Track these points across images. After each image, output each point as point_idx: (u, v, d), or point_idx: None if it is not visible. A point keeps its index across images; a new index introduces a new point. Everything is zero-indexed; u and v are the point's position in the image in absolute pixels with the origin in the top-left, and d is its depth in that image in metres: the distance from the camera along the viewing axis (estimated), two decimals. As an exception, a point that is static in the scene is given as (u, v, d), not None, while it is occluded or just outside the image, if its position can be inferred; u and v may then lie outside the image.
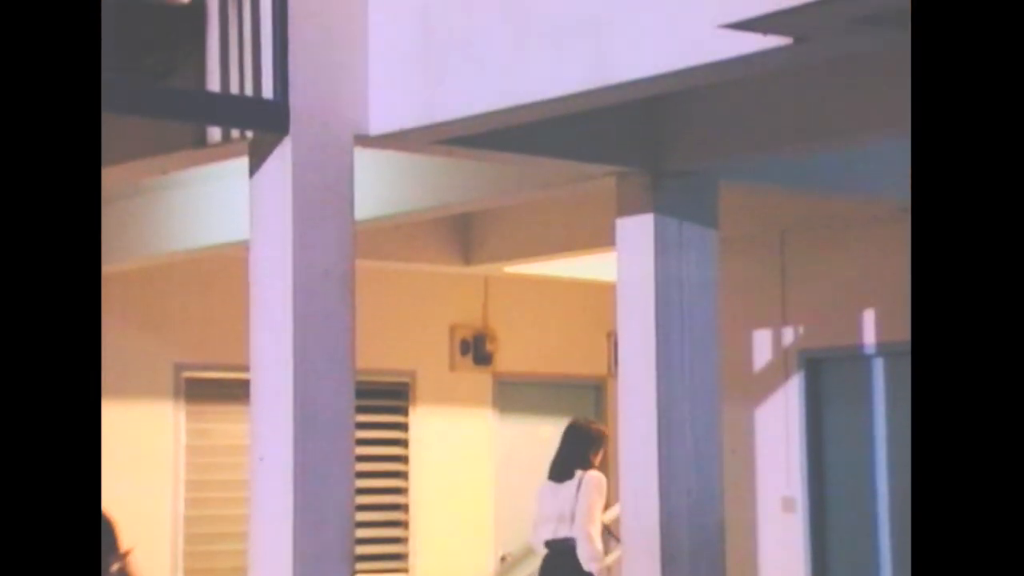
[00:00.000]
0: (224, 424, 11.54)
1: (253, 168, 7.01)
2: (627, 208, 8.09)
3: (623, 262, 8.11)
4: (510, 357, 12.91)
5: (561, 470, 9.35)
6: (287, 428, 6.82)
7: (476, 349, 12.82)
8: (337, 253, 6.97)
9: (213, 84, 7.13)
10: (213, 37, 7.17)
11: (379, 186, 8.95)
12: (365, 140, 7.13)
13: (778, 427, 10.14)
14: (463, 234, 11.01)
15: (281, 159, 6.90)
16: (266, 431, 6.93)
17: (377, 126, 7.07)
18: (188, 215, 9.98)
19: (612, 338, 10.58)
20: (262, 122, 6.88)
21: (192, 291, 11.46)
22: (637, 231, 8.03)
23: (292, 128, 6.87)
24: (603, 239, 8.79)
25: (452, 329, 12.75)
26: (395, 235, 10.54)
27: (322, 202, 6.93)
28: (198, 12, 7.29)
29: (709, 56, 5.83)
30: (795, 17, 5.25)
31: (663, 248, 7.98)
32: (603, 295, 10.33)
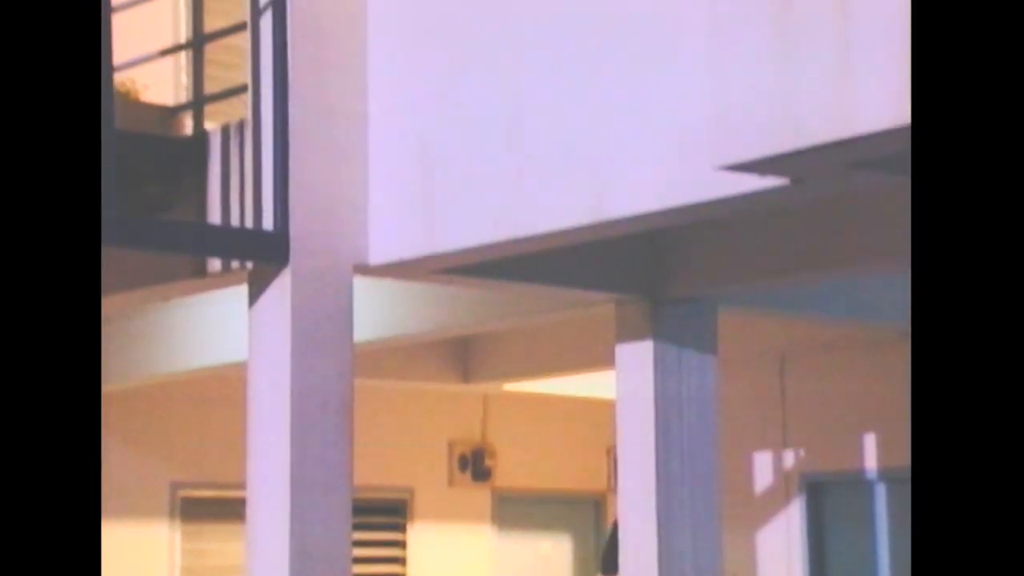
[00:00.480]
0: (220, 543, 11.48)
1: (252, 298, 7.01)
2: (627, 334, 8.09)
3: (622, 385, 8.11)
4: (509, 473, 12.87)
5: (610, 563, 9.36)
6: (283, 560, 6.77)
7: (475, 465, 12.79)
8: (336, 384, 6.95)
9: (214, 215, 7.16)
10: (215, 168, 7.20)
11: (378, 309, 8.95)
12: (365, 269, 7.14)
13: (779, 551, 10.08)
14: (462, 353, 11.00)
15: (280, 289, 6.90)
16: (261, 562, 6.88)
17: (377, 256, 7.08)
18: (187, 335, 9.97)
19: (611, 453, 10.55)
20: (262, 254, 6.88)
21: (190, 410, 11.43)
22: (637, 356, 8.03)
23: (292, 259, 6.88)
24: (602, 360, 8.78)
25: (451, 445, 12.71)
26: (393, 354, 10.53)
27: (321, 333, 6.92)
28: (200, 144, 7.33)
29: (707, 194, 5.85)
30: (793, 160, 5.26)
31: (663, 373, 7.98)
32: (602, 411, 10.32)
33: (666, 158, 5.98)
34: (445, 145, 6.86)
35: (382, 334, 9.21)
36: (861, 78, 4.98)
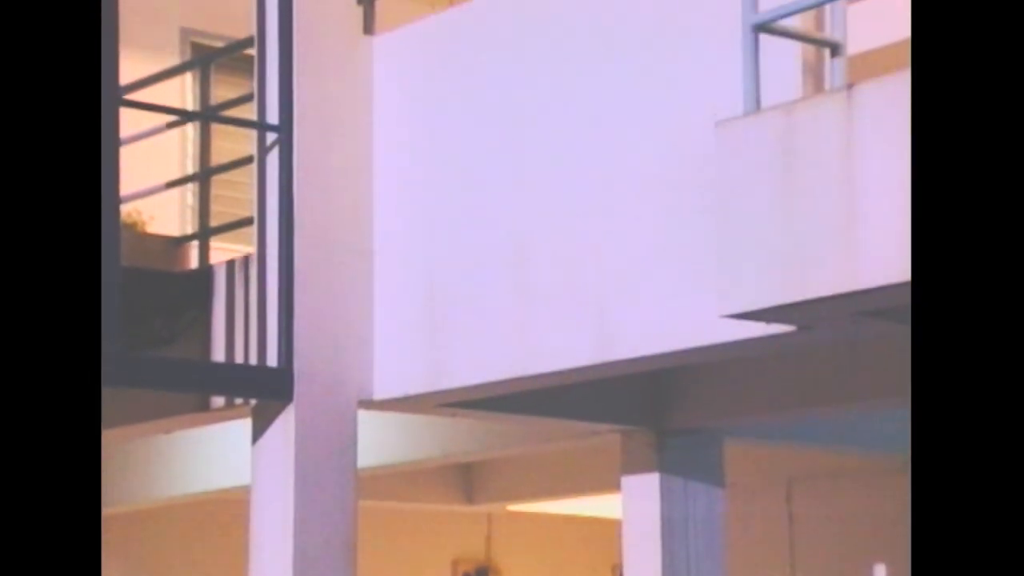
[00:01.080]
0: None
1: (256, 434, 6.98)
2: (632, 466, 8.06)
3: (628, 515, 8.07)
4: (514, 591, 12.79)
5: None
6: None
7: (479, 583, 12.71)
8: (339, 520, 6.91)
9: (218, 349, 7.14)
10: (219, 302, 7.20)
11: (382, 435, 8.91)
12: (369, 404, 7.11)
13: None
14: (465, 475, 10.95)
15: (284, 426, 6.87)
16: None
17: (382, 391, 7.05)
18: (189, 460, 9.92)
19: (617, 572, 10.47)
20: (266, 391, 6.86)
21: (192, 534, 11.35)
22: (643, 487, 8.00)
23: (296, 394, 6.86)
24: (608, 485, 8.75)
25: (454, 564, 12.63)
26: (397, 476, 10.47)
27: (325, 469, 6.89)
28: (205, 278, 7.33)
29: (712, 338, 5.83)
30: (799, 309, 5.25)
31: (669, 504, 7.94)
32: (607, 529, 10.25)
33: (671, 302, 5.97)
34: (451, 281, 6.86)
35: (386, 460, 9.16)
36: (867, 230, 4.98)
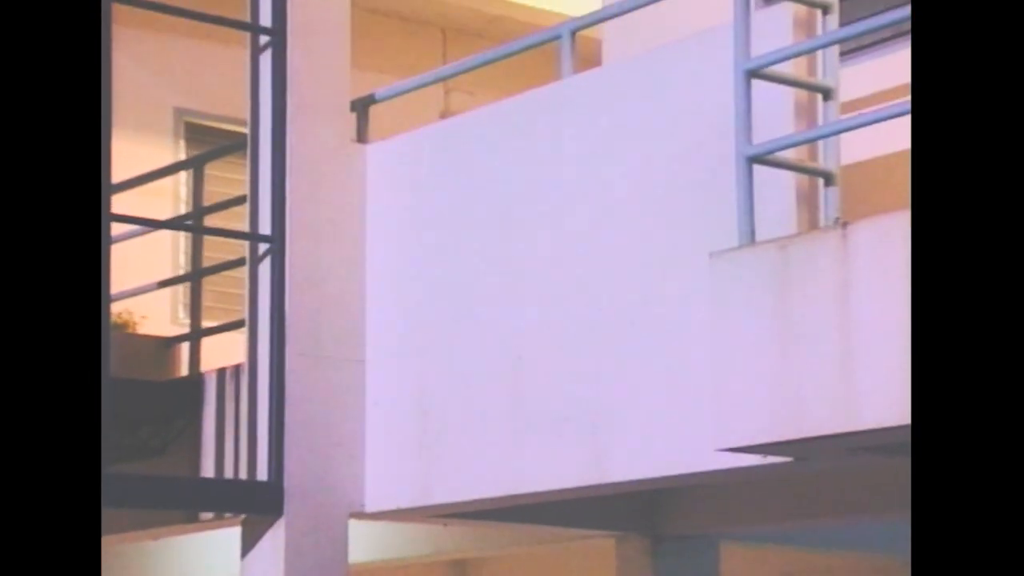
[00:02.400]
0: None
1: (245, 548, 6.90)
2: (626, 571, 7.98)
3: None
4: None
5: None
6: None
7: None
8: (330, 635, 6.84)
9: (208, 461, 7.08)
10: (210, 411, 7.14)
11: (373, 532, 8.83)
12: (361, 515, 7.04)
13: None
14: (458, 572, 10.85)
15: (274, 540, 6.80)
16: None
17: (373, 504, 6.98)
18: (176, 570, 9.80)
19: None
20: (256, 507, 6.79)
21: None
22: (637, 592, 7.93)
23: (286, 509, 6.79)
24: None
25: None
26: (388, 572, 10.37)
27: (315, 583, 6.82)
28: (195, 386, 7.27)
29: (708, 465, 5.77)
30: (795, 445, 5.20)
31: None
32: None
33: (667, 429, 5.91)
34: (443, 394, 6.79)
35: (377, 556, 9.07)
36: (863, 370, 4.93)
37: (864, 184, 6.23)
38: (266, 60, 7.11)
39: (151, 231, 8.21)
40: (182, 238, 9.59)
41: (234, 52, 9.88)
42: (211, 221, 8.27)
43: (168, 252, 9.81)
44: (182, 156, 12.29)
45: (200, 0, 11.81)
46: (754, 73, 5.46)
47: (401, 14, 12.99)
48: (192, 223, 8.09)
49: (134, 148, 11.15)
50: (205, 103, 12.05)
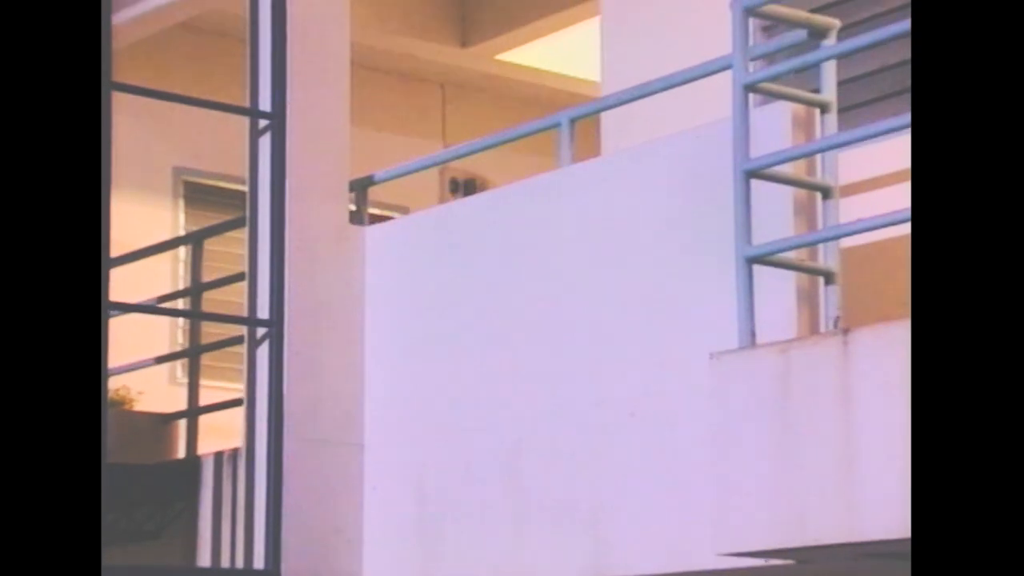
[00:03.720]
0: None
1: (242, 639, 6.87)
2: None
3: None
4: None
5: None
6: None
7: None
8: None
9: (204, 546, 7.05)
10: (206, 497, 7.12)
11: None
12: (358, 601, 7.01)
13: None
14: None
15: (271, 629, 6.77)
16: None
17: (370, 591, 6.95)
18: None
19: None
20: (253, 597, 6.76)
21: None
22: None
23: (284, 597, 6.75)
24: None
25: None
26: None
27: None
28: (192, 468, 7.24)
29: (708, 564, 5.73)
30: (796, 551, 5.17)
31: None
32: None
33: (667, 524, 5.88)
34: (442, 481, 6.76)
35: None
36: (865, 480, 4.90)
37: (863, 267, 6.22)
38: (265, 142, 7.10)
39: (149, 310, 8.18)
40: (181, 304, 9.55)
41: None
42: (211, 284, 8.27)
43: (166, 323, 9.78)
44: (181, 217, 12.30)
45: (200, 77, 11.93)
46: (753, 173, 5.45)
47: (400, 70, 13.00)
48: (191, 307, 8.05)
49: (133, 208, 11.16)
50: (204, 163, 12.06)
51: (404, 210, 13.50)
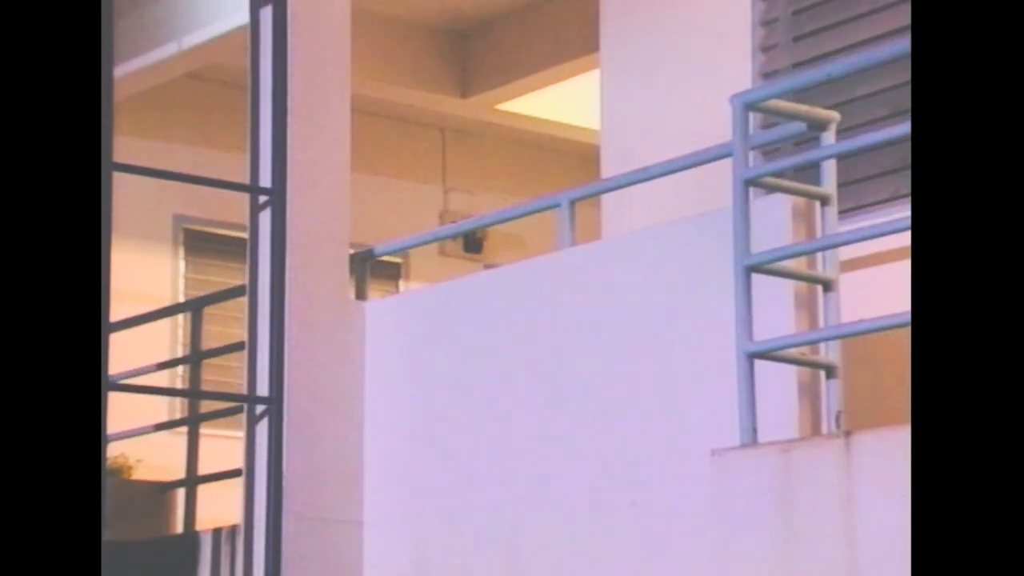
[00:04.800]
0: None
1: None
2: None
3: None
4: None
5: None
6: None
7: None
8: None
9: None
10: (204, 574, 7.09)
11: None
12: (357, 676, 6.99)
13: None
14: None
15: None
16: None
17: (369, 667, 6.93)
18: None
19: None
20: None
21: None
22: None
23: None
24: None
25: None
26: None
27: None
28: (190, 545, 7.22)
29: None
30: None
31: None
32: None
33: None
34: (442, 557, 6.74)
35: None
36: (866, 585, 4.90)
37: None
38: (265, 216, 7.09)
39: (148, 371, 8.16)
40: (180, 366, 9.53)
41: (233, 159, 9.89)
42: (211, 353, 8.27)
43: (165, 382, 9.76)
44: (181, 264, 12.30)
45: (201, 124, 11.91)
46: (754, 268, 5.43)
47: (400, 115, 13.02)
48: (191, 375, 8.03)
49: (133, 257, 11.17)
50: (204, 210, 12.07)
51: (404, 255, 13.59)
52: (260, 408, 6.95)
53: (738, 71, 7.48)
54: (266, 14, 7.17)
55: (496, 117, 12.86)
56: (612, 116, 8.16)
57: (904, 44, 5.09)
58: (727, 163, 5.71)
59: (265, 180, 7.08)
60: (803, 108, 5.64)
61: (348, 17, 7.23)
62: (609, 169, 7.87)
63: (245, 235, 7.14)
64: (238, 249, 7.68)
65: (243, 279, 7.16)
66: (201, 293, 12.22)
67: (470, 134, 13.35)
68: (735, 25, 7.61)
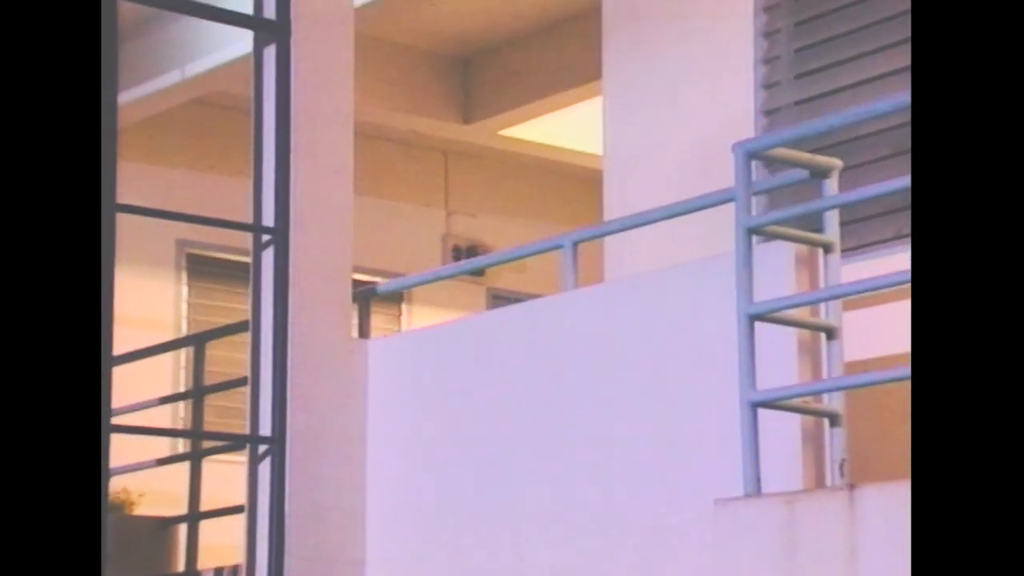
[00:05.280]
0: None
1: None
2: None
3: None
4: None
5: None
6: None
7: None
8: None
9: (205, 664, 7.02)
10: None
11: None
12: None
13: None
14: None
15: None
16: None
17: None
18: None
19: None
20: None
21: None
22: None
23: None
24: None
25: None
26: None
27: None
28: (193, 584, 7.23)
29: None
30: None
31: None
32: None
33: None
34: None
35: None
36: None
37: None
38: (268, 255, 7.08)
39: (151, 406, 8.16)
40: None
41: (236, 182, 9.88)
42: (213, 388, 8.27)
43: (167, 414, 9.76)
44: (184, 289, 12.31)
45: (203, 148, 11.85)
46: (757, 317, 5.43)
47: (403, 138, 13.03)
48: (193, 431, 8.02)
49: (136, 281, 11.18)
50: (207, 234, 12.09)
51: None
52: (263, 447, 6.95)
53: (740, 102, 7.48)
54: (269, 52, 7.17)
55: (499, 142, 12.88)
56: (614, 144, 8.16)
57: (904, 97, 5.09)
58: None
59: (268, 218, 7.08)
60: (805, 156, 5.64)
61: (351, 63, 7.21)
62: (612, 196, 7.88)
63: (248, 259, 7.14)
64: (241, 274, 7.68)
65: (246, 303, 7.15)
66: (204, 318, 12.28)
67: (472, 157, 13.37)
68: (737, 59, 7.62)
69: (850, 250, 6.59)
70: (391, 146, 13.12)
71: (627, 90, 8.17)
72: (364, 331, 7.31)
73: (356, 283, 7.20)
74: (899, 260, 6.43)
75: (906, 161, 5.05)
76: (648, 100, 8.11)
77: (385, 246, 12.89)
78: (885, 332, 5.98)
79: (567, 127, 12.31)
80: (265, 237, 7.07)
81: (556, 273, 6.70)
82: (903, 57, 6.82)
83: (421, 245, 13.46)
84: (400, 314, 13.43)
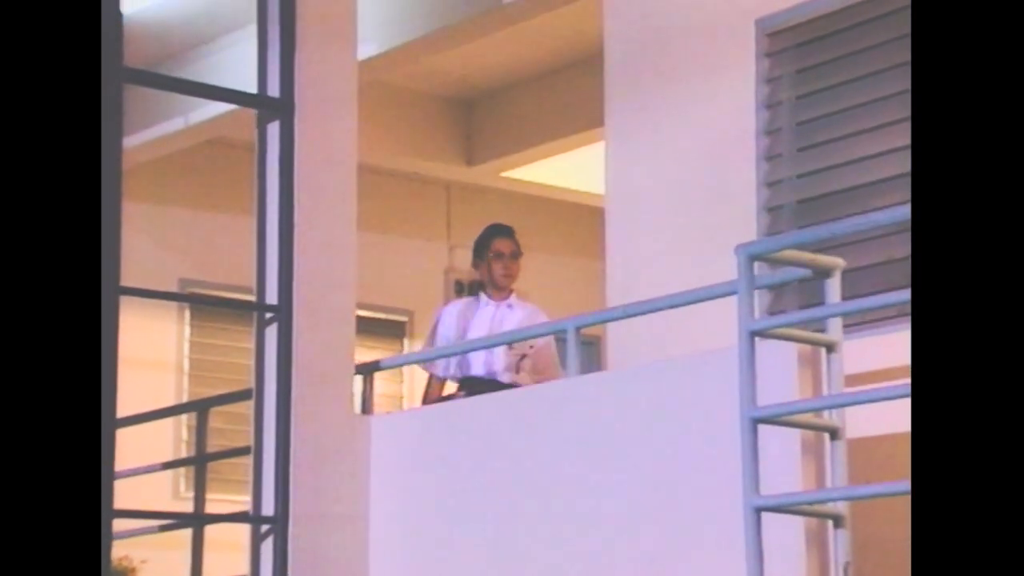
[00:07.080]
0: None
1: None
2: None
3: None
4: None
5: None
6: None
7: None
8: None
9: None
10: None
11: None
12: None
13: None
14: None
15: None
16: None
17: None
18: None
19: None
20: None
21: None
22: None
23: None
24: None
25: None
26: None
27: None
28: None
29: None
30: None
31: None
32: None
33: None
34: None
35: None
36: None
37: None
38: (271, 332, 7.09)
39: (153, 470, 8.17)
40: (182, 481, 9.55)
41: (238, 221, 9.89)
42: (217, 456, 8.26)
43: (167, 482, 9.75)
44: (187, 329, 12.30)
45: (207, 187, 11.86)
46: (760, 420, 5.44)
47: (405, 173, 13.04)
48: (194, 515, 8.02)
49: (139, 320, 11.17)
50: (209, 273, 12.10)
51: (409, 313, 13.59)
52: (265, 527, 6.95)
53: (740, 149, 7.42)
54: (273, 129, 7.18)
55: (501, 183, 12.90)
56: (616, 189, 8.12)
57: (904, 211, 5.09)
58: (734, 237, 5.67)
59: (271, 298, 7.08)
60: (808, 256, 5.64)
61: (355, 137, 7.22)
62: (614, 234, 7.84)
63: (252, 298, 7.13)
64: (244, 313, 7.64)
65: (249, 343, 7.12)
66: (206, 357, 12.27)
67: (475, 190, 13.37)
68: (739, 105, 7.56)
69: (853, 326, 6.58)
70: (393, 180, 13.12)
71: (629, 138, 8.15)
72: (367, 406, 7.31)
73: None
74: (902, 337, 6.45)
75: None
76: (650, 147, 8.09)
77: (388, 280, 12.91)
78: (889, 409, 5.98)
79: (568, 168, 12.33)
80: (268, 314, 7.08)
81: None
82: (903, 135, 6.80)
83: (424, 279, 13.48)
84: (403, 349, 13.45)
